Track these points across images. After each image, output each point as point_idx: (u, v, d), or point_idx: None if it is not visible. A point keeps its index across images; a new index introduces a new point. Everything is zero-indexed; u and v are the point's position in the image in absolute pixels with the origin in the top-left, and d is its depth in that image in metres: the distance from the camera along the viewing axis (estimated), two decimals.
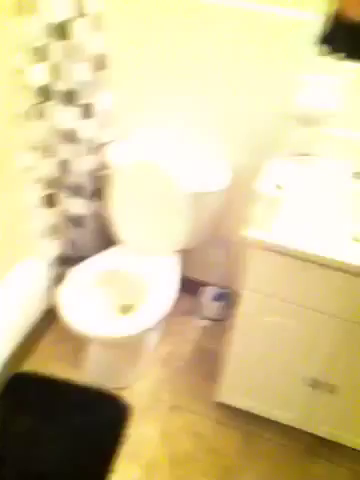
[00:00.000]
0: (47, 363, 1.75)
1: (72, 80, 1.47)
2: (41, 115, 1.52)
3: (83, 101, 1.53)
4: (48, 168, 1.64)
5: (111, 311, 1.64)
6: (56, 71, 1.46)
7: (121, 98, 1.63)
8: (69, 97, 1.50)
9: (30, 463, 1.43)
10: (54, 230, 1.78)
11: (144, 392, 1.69)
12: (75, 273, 1.59)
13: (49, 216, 1.74)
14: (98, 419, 1.56)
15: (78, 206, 1.74)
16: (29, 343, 1.79)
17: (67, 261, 1.84)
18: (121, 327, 1.43)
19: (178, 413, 1.64)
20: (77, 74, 1.47)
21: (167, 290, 1.56)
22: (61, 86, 1.49)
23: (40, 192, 1.67)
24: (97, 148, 1.66)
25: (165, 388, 1.72)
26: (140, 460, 1.48)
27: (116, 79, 1.58)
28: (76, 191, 1.71)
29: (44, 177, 1.65)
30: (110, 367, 1.74)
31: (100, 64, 1.50)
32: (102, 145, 1.67)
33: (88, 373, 1.71)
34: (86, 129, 1.59)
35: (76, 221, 1.78)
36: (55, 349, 1.82)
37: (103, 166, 1.69)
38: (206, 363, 1.82)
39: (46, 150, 1.60)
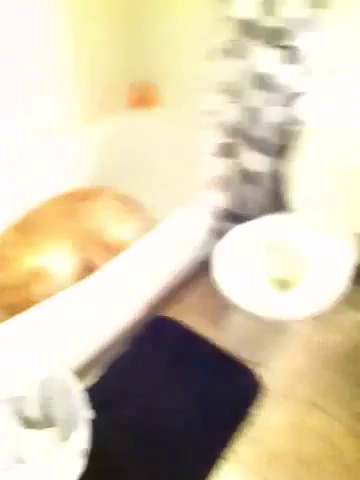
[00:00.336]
0: (190, 315, 1.71)
1: (283, 16, 1.27)
2: (239, 53, 1.37)
3: (290, 43, 1.32)
4: (234, 114, 1.51)
5: (264, 282, 1.50)
6: (266, 4, 1.27)
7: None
8: (276, 36, 1.31)
9: (152, 403, 1.43)
10: (225, 182, 1.67)
11: (281, 376, 1.55)
12: (236, 232, 1.48)
13: (223, 166, 1.63)
14: (227, 388, 1.49)
15: (257, 161, 1.58)
16: (178, 291, 1.78)
17: (231, 217, 1.73)
18: (281, 306, 1.29)
19: (313, 410, 1.46)
20: (290, 9, 1.26)
21: (338, 275, 1.36)
22: (269, 22, 1.30)
23: (219, 139, 1.56)
24: (292, 99, 1.46)
25: (305, 379, 1.55)
26: (260, 447, 1.37)
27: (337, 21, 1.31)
28: (259, 144, 1.55)
29: (227, 124, 1.53)
30: (251, 338, 1.63)
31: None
32: (297, 97, 1.46)
33: (227, 336, 1.64)
34: (286, 76, 1.39)
35: (251, 177, 1.64)
36: (202, 303, 1.77)
37: (295, 121, 1.48)
38: (358, 365, 1.58)
39: (236, 94, 1.46)
